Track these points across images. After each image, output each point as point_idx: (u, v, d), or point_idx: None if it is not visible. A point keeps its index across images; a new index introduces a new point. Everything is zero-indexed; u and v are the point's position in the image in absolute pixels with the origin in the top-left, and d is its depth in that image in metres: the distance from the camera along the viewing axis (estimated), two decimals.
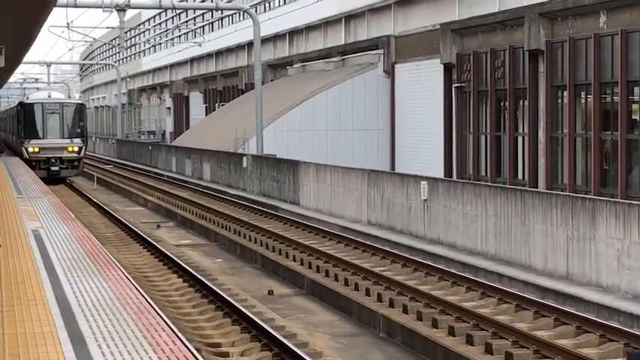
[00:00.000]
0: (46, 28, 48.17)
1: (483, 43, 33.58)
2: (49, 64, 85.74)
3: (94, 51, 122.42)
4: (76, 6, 36.48)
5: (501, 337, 13.00)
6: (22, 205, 21.34)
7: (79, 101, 50.02)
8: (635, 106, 26.50)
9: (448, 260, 19.91)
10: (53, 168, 43.11)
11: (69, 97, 59.13)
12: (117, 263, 13.05)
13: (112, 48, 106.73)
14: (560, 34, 29.18)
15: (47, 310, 9.55)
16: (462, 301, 15.41)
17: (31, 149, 43.29)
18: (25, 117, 44.12)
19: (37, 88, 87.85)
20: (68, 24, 50.38)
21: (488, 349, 12.69)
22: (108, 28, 58.62)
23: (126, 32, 69.34)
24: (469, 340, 13.12)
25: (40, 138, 43.48)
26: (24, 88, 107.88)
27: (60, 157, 43.37)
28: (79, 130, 44.28)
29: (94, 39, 68.19)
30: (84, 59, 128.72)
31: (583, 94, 28.61)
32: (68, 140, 43.71)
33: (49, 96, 46.52)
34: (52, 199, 22.98)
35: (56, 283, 11.13)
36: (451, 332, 13.58)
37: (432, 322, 14.15)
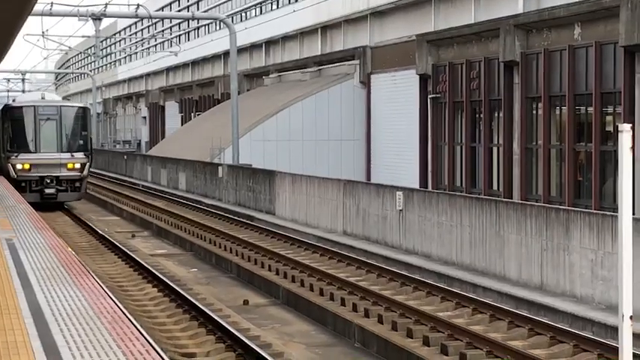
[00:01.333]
0: (21, 36, 47.88)
1: (459, 55, 33.75)
2: (23, 73, 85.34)
3: (69, 60, 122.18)
4: (51, 14, 36.15)
5: (476, 347, 13.04)
6: None
7: (82, 104, 38.75)
8: (608, 118, 26.69)
9: (423, 270, 19.95)
10: (48, 190, 34.13)
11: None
12: (91, 272, 12.98)
13: (87, 57, 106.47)
14: (535, 46, 29.37)
15: (20, 319, 9.48)
16: (437, 311, 15.44)
17: (19, 166, 34.08)
18: (11, 124, 34.71)
19: (22, 91, 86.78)
20: (43, 32, 49.80)
21: (463, 359, 12.74)
22: (83, 37, 58.32)
23: (101, 41, 69.13)
24: (444, 350, 13.15)
25: (31, 152, 34.30)
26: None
27: (57, 177, 34.34)
28: (81, 142, 35.12)
29: (69, 48, 67.95)
30: (59, 68, 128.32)
31: (557, 106, 28.80)
32: (68, 155, 34.55)
33: (43, 98, 37.26)
34: (26, 209, 22.83)
35: (30, 292, 11.06)
36: (426, 342, 13.60)
37: (407, 332, 14.17)
